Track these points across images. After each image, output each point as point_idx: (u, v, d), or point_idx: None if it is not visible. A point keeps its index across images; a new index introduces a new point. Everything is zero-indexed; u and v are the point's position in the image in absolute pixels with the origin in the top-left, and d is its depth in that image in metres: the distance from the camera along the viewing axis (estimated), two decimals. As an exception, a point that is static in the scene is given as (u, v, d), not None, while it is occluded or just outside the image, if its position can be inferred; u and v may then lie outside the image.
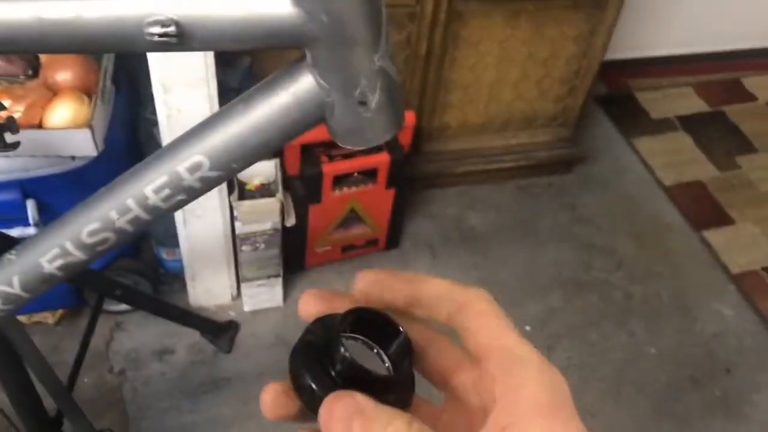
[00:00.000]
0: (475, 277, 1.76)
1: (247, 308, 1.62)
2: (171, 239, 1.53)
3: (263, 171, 1.43)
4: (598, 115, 2.24)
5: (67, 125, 1.22)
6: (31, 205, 1.24)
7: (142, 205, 0.39)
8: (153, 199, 0.38)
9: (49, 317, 1.53)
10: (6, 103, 1.17)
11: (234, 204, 1.40)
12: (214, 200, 1.41)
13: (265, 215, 1.44)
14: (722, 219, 1.99)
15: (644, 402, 1.57)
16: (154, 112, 1.28)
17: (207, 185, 0.38)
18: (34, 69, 1.32)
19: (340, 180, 1.53)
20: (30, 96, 1.22)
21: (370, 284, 0.35)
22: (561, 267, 1.81)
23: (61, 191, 1.26)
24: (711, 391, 1.60)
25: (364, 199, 1.60)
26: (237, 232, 1.45)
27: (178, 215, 1.43)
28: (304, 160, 1.49)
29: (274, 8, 0.31)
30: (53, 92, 1.26)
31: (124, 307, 1.55)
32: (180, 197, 0.38)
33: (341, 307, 0.33)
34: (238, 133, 0.36)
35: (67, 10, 0.31)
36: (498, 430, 0.29)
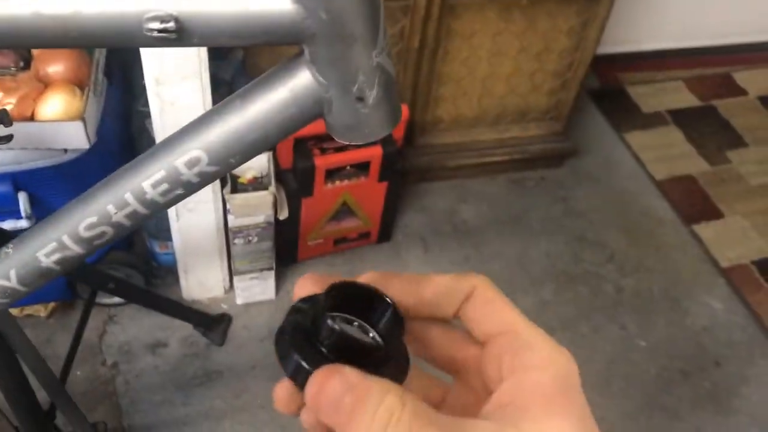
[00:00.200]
0: (467, 270, 1.76)
1: (239, 301, 1.63)
2: (164, 232, 1.53)
3: (256, 164, 1.43)
4: (590, 109, 2.25)
5: (60, 118, 1.21)
6: (23, 198, 1.24)
7: (140, 200, 0.39)
8: (151, 193, 0.38)
9: (41, 310, 1.53)
10: (-2, 95, 1.17)
11: (227, 197, 1.40)
12: (207, 194, 1.41)
13: (257, 208, 1.44)
14: (712, 213, 2.00)
15: (634, 394, 1.58)
16: (146, 105, 1.27)
17: (205, 180, 0.38)
18: (26, 61, 1.31)
19: (332, 173, 1.53)
20: (22, 88, 1.22)
21: (373, 284, 0.34)
22: (552, 260, 1.82)
23: (53, 184, 1.26)
24: (701, 384, 1.61)
25: (356, 193, 1.60)
26: (230, 225, 1.45)
27: (171, 209, 1.42)
28: (296, 153, 1.49)
29: (273, 4, 0.31)
30: (45, 85, 1.26)
31: (116, 300, 1.55)
32: (178, 192, 0.38)
33: None
34: (236, 128, 0.36)
35: (65, 5, 0.32)
36: (498, 407, 0.28)
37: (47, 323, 1.54)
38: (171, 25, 0.31)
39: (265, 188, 1.42)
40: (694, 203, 2.02)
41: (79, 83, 1.27)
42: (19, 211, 1.24)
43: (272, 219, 1.47)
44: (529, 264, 1.81)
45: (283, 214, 1.49)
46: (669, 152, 2.16)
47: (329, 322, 0.30)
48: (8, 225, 1.24)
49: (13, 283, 0.44)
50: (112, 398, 1.46)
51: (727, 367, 1.65)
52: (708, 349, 1.68)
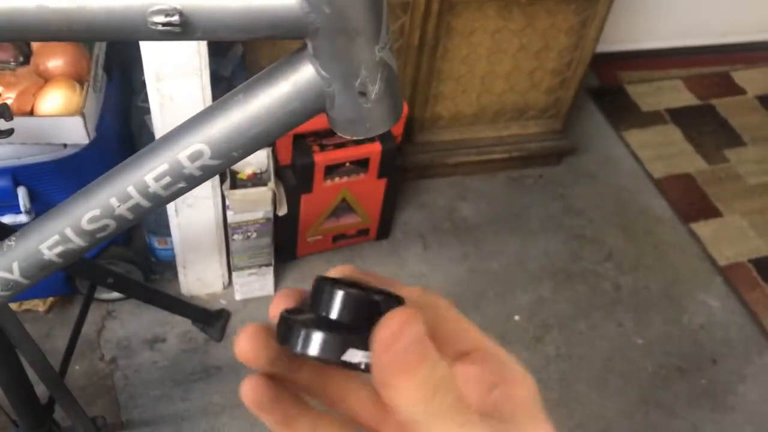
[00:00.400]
0: (466, 267, 1.77)
1: (238, 297, 1.63)
2: (163, 228, 1.53)
3: (255, 160, 1.43)
4: (589, 107, 2.26)
5: (59, 113, 1.22)
6: (22, 193, 1.24)
7: (143, 193, 0.39)
8: (153, 186, 0.39)
9: (39, 305, 1.53)
10: (-2, 90, 1.17)
11: (226, 193, 1.40)
12: (206, 189, 1.41)
13: (256, 204, 1.44)
14: (710, 211, 2.01)
15: (631, 391, 1.58)
16: (146, 100, 1.27)
17: (207, 173, 0.38)
18: (25, 56, 1.31)
19: (331, 170, 1.53)
20: (21, 83, 1.22)
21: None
22: (551, 258, 1.83)
23: (53, 179, 1.26)
24: (697, 382, 1.62)
25: (355, 189, 1.61)
26: (229, 221, 1.46)
27: (170, 204, 1.42)
28: (296, 149, 1.50)
29: (277, -1, 0.31)
30: (45, 79, 1.26)
31: (115, 295, 1.55)
32: (180, 185, 0.39)
33: None
34: (238, 122, 0.36)
35: (70, -2, 0.32)
36: (484, 417, 0.29)
37: (46, 318, 1.54)
38: (175, 18, 0.31)
39: (265, 184, 1.42)
40: (692, 202, 2.02)
41: (78, 78, 1.27)
42: (18, 206, 1.24)
43: (271, 215, 1.48)
44: (527, 261, 1.81)
45: (282, 210, 1.49)
46: (667, 151, 2.16)
47: (340, 286, 0.29)
48: (7, 219, 1.24)
49: (15, 275, 0.44)
50: (110, 393, 1.46)
51: (723, 364, 1.66)
52: (705, 346, 1.69)
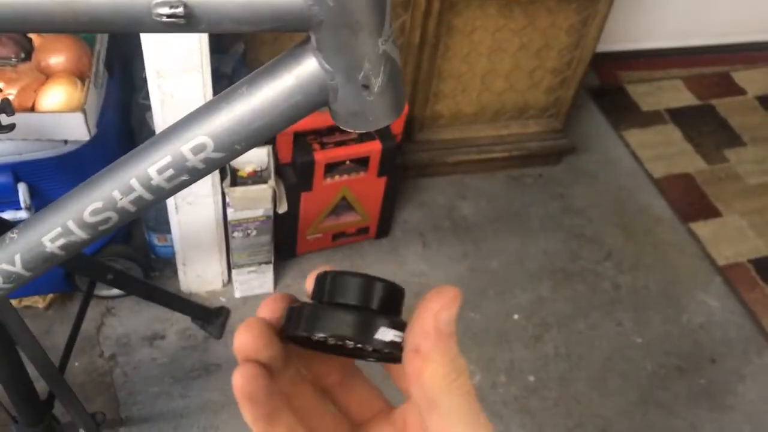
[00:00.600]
0: (465, 266, 1.77)
1: (238, 294, 1.63)
2: (163, 225, 1.53)
3: (256, 158, 1.44)
4: (589, 106, 2.26)
5: (60, 109, 1.22)
6: (22, 189, 1.24)
7: (146, 185, 0.39)
8: (156, 179, 0.39)
9: (39, 301, 1.53)
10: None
11: (226, 190, 1.40)
12: (207, 187, 1.41)
13: (257, 202, 1.44)
14: (710, 211, 2.01)
15: (630, 390, 1.59)
16: (146, 97, 1.27)
17: (210, 166, 0.38)
18: (27, 52, 1.31)
19: (331, 168, 1.53)
20: (23, 79, 1.22)
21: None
22: (550, 257, 1.83)
23: (53, 175, 1.26)
24: (696, 381, 1.62)
25: (355, 188, 1.61)
26: (229, 218, 1.46)
27: (170, 201, 1.43)
28: (296, 147, 1.50)
29: (281, -9, 0.32)
30: (46, 76, 1.26)
31: (115, 292, 1.55)
32: (183, 178, 0.39)
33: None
34: (242, 114, 0.36)
35: (75, -11, 0.32)
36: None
37: (46, 314, 1.54)
38: (180, 10, 0.31)
39: (265, 182, 1.42)
40: (691, 202, 2.03)
41: (79, 75, 1.27)
42: (18, 202, 1.25)
43: (271, 213, 1.48)
44: (527, 260, 1.81)
45: (282, 208, 1.49)
46: (667, 151, 2.17)
47: (351, 276, 0.30)
48: (8, 216, 1.24)
49: (17, 267, 0.44)
50: (109, 390, 1.46)
51: (722, 364, 1.66)
52: (704, 346, 1.69)
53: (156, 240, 1.60)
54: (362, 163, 1.56)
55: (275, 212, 1.49)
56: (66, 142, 1.25)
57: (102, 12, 0.32)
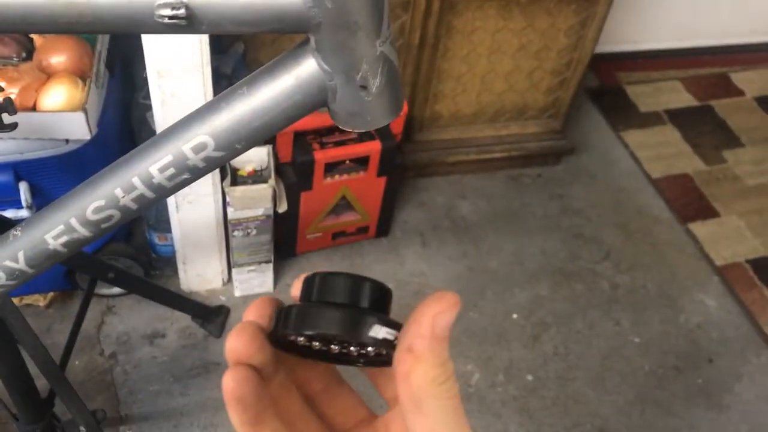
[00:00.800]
0: (464, 266, 1.78)
1: (238, 293, 1.64)
2: (163, 224, 1.54)
3: (256, 157, 1.44)
4: (588, 107, 2.27)
5: (61, 108, 1.22)
6: (23, 188, 1.25)
7: (147, 184, 0.40)
8: (158, 177, 0.39)
9: (40, 300, 1.54)
10: (1, 84, 1.17)
11: (226, 190, 1.41)
12: (207, 186, 1.42)
13: (257, 201, 1.45)
14: (708, 212, 2.02)
15: (628, 390, 1.59)
16: (147, 97, 1.28)
17: (211, 165, 0.39)
18: (28, 51, 1.32)
19: (331, 167, 1.54)
20: (24, 78, 1.22)
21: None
22: (549, 256, 1.83)
23: (54, 174, 1.27)
24: (693, 380, 1.63)
25: (355, 187, 1.61)
26: (229, 217, 1.46)
27: (171, 200, 1.43)
28: (296, 147, 1.50)
29: (281, -7, 0.32)
30: (47, 75, 1.27)
31: (115, 290, 1.56)
32: (184, 176, 0.39)
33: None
34: (242, 114, 0.37)
35: (79, -9, 0.32)
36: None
37: (46, 313, 1.55)
38: (182, 12, 0.32)
39: (265, 181, 1.43)
40: (689, 202, 2.03)
41: (81, 74, 1.28)
42: (19, 201, 1.25)
43: (271, 212, 1.48)
44: (525, 260, 1.82)
45: (282, 207, 1.50)
46: (666, 151, 2.17)
47: (343, 275, 0.30)
48: (9, 215, 1.25)
49: (20, 264, 0.45)
50: (109, 388, 1.47)
51: (720, 364, 1.67)
52: (701, 346, 1.70)
53: (156, 239, 1.60)
54: (362, 162, 1.56)
55: (275, 211, 1.50)
56: (67, 141, 1.25)
57: (105, 13, 0.33)
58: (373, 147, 1.54)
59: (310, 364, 0.35)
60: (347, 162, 1.55)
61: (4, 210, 1.26)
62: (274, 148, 1.48)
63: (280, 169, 1.52)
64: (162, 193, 0.40)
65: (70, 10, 0.33)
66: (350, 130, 0.38)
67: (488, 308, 1.70)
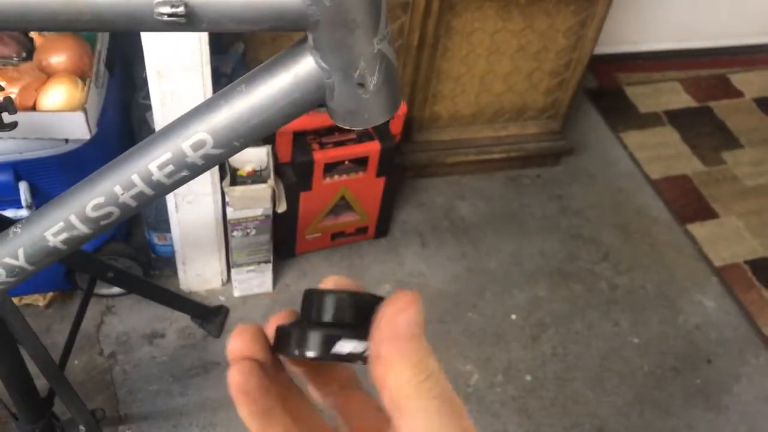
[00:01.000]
0: (463, 266, 1.78)
1: (237, 293, 1.64)
2: (162, 224, 1.54)
3: (255, 157, 1.44)
4: (587, 108, 2.27)
5: (61, 108, 1.23)
6: (23, 187, 1.25)
7: (147, 181, 0.40)
8: (157, 174, 0.40)
9: (39, 299, 1.54)
10: (1, 84, 1.18)
11: (226, 189, 1.41)
12: (206, 186, 1.42)
13: (256, 201, 1.45)
14: (707, 213, 2.02)
15: (627, 390, 1.60)
16: (147, 97, 1.28)
17: (210, 162, 0.39)
18: (28, 51, 1.32)
19: (330, 168, 1.54)
20: (24, 78, 1.23)
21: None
22: (548, 257, 1.84)
23: (54, 174, 1.27)
24: (692, 381, 1.63)
25: (354, 187, 1.62)
26: (228, 217, 1.47)
27: (170, 200, 1.43)
28: (295, 147, 1.51)
29: (279, -8, 0.33)
30: (47, 75, 1.27)
31: (114, 290, 1.56)
32: (183, 173, 0.40)
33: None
34: (240, 112, 0.37)
35: (79, -11, 0.33)
36: None
37: (46, 313, 1.55)
38: (181, 9, 0.32)
39: (264, 181, 1.43)
40: (688, 203, 2.04)
41: (80, 74, 1.28)
42: (19, 201, 1.26)
43: (270, 212, 1.49)
44: (524, 261, 1.82)
45: (282, 208, 1.50)
46: (665, 152, 2.18)
47: (328, 292, 0.31)
48: (9, 214, 1.25)
49: (20, 261, 0.45)
50: (109, 388, 1.47)
51: (718, 364, 1.67)
52: (700, 346, 1.70)
53: (156, 239, 1.60)
54: (361, 163, 1.57)
55: (274, 212, 1.50)
56: (67, 141, 1.25)
57: (105, 11, 0.33)
58: (373, 147, 1.54)
59: (326, 365, 0.35)
60: (346, 162, 1.55)
61: (4, 210, 1.26)
62: (273, 149, 1.48)
63: (279, 169, 1.52)
64: (161, 190, 0.41)
65: (70, 7, 0.33)
66: (348, 128, 0.38)
67: (487, 309, 1.71)
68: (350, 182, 1.60)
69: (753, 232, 1.98)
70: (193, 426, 1.43)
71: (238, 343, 0.31)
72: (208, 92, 1.25)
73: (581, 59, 1.81)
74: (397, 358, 0.28)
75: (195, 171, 0.40)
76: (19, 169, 1.24)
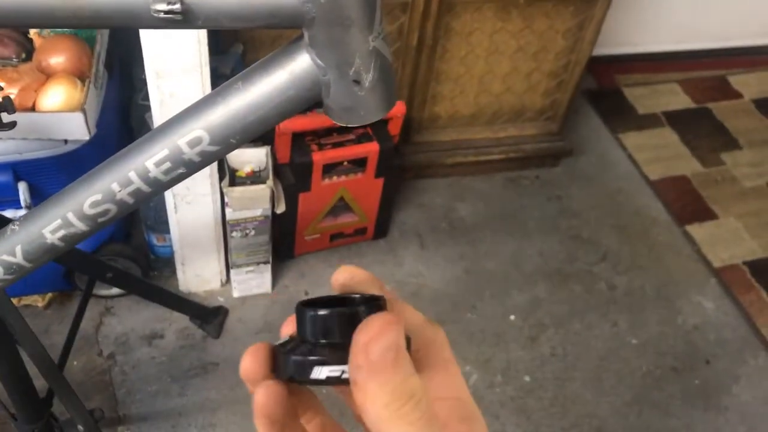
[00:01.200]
0: (462, 267, 1.78)
1: (236, 294, 1.64)
2: (161, 225, 1.54)
3: (254, 158, 1.45)
4: (586, 109, 2.27)
5: (60, 109, 1.23)
6: (22, 188, 1.25)
7: (144, 178, 0.40)
8: (154, 171, 0.40)
9: (38, 300, 1.54)
10: (1, 84, 1.18)
11: (225, 190, 1.41)
12: (205, 186, 1.42)
13: (255, 202, 1.45)
14: (706, 214, 2.02)
15: (625, 391, 1.60)
16: (146, 98, 1.28)
17: (206, 159, 0.40)
18: (27, 52, 1.32)
19: (329, 168, 1.55)
20: (23, 79, 1.23)
21: (355, 283, 0.34)
22: (547, 258, 1.84)
23: (53, 174, 1.27)
24: (691, 382, 1.63)
25: (353, 188, 1.62)
26: (227, 218, 1.47)
27: (169, 201, 1.44)
28: (294, 148, 1.51)
29: (275, -11, 0.33)
30: (46, 76, 1.27)
31: (114, 291, 1.56)
32: (180, 171, 0.40)
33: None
34: (237, 109, 0.38)
35: (76, -14, 0.33)
36: None
37: (45, 313, 1.55)
38: (177, 6, 0.33)
39: (263, 182, 1.43)
40: (687, 204, 2.04)
41: (80, 75, 1.28)
42: (18, 201, 1.26)
43: (269, 213, 1.49)
44: (523, 262, 1.82)
45: (281, 208, 1.50)
46: (663, 153, 2.18)
47: (308, 311, 0.30)
48: (8, 214, 1.25)
49: (18, 258, 0.45)
50: (108, 388, 1.47)
51: (717, 365, 1.67)
52: (699, 347, 1.70)
53: (155, 240, 1.61)
54: (360, 164, 1.57)
55: (273, 212, 1.50)
56: (66, 141, 1.26)
57: (102, 8, 0.33)
58: (371, 148, 1.54)
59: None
60: (345, 163, 1.55)
61: (3, 210, 1.27)
62: (272, 149, 1.48)
63: (278, 170, 1.52)
64: (158, 187, 0.41)
65: (67, 4, 0.33)
66: (344, 126, 0.38)
67: (486, 309, 1.71)
68: (349, 183, 1.60)
69: (752, 233, 1.98)
70: (192, 426, 1.43)
71: (251, 364, 0.31)
72: (207, 92, 1.25)
73: (580, 60, 1.82)
74: (373, 386, 0.27)
75: (192, 168, 0.40)
76: (19, 169, 1.25)
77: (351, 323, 0.29)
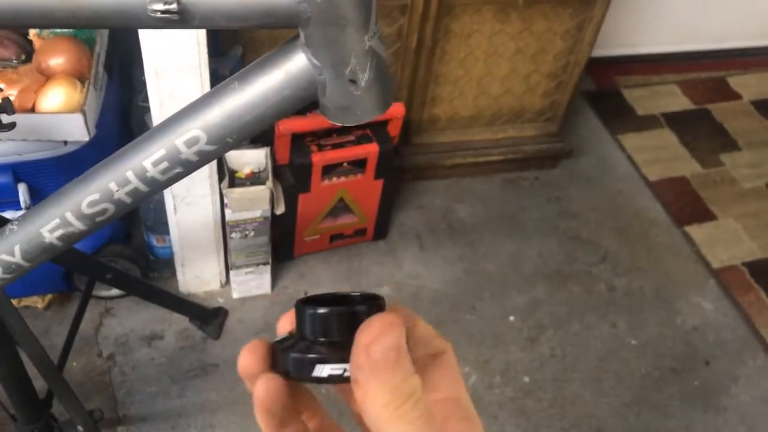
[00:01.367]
0: (461, 269, 1.79)
1: (235, 295, 1.64)
2: (161, 226, 1.54)
3: (254, 159, 1.45)
4: (585, 110, 2.27)
5: (60, 110, 1.23)
6: (22, 189, 1.25)
7: (141, 178, 0.40)
8: (151, 171, 0.40)
9: (38, 301, 1.54)
10: (0, 86, 1.18)
11: (224, 191, 1.41)
12: (205, 187, 1.42)
13: (255, 203, 1.45)
14: (705, 215, 2.02)
15: (624, 392, 1.60)
16: (146, 99, 1.29)
17: (204, 159, 0.40)
18: (27, 54, 1.33)
19: (329, 170, 1.55)
20: (23, 80, 1.23)
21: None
22: (546, 259, 1.84)
23: (53, 176, 1.27)
24: (690, 383, 1.63)
25: (352, 189, 1.62)
26: (227, 219, 1.47)
27: (169, 202, 1.44)
28: (294, 149, 1.51)
29: (271, -11, 0.33)
30: (46, 77, 1.27)
31: (113, 292, 1.57)
32: (177, 170, 0.40)
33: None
34: (233, 108, 0.38)
35: (74, -13, 0.33)
36: None
37: (45, 315, 1.55)
38: (173, 6, 0.33)
39: (263, 183, 1.44)
40: (686, 205, 2.04)
41: (79, 76, 1.29)
42: (18, 202, 1.26)
43: (269, 214, 1.49)
44: (522, 263, 1.83)
45: (280, 209, 1.50)
46: (663, 154, 2.18)
47: (308, 308, 0.31)
48: (8, 215, 1.25)
49: (17, 258, 0.46)
50: (107, 389, 1.47)
51: (716, 366, 1.67)
52: (698, 348, 1.70)
53: (155, 241, 1.61)
54: (360, 165, 1.57)
55: (273, 213, 1.50)
56: (66, 142, 1.26)
57: (100, 8, 0.34)
58: (371, 149, 1.54)
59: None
60: (345, 164, 1.56)
61: (3, 211, 1.27)
62: (272, 150, 1.48)
63: (277, 171, 1.52)
64: (155, 186, 0.41)
65: (66, 4, 0.34)
66: (341, 125, 0.39)
67: (485, 311, 1.71)
68: (349, 184, 1.60)
69: (751, 233, 1.98)
70: (192, 427, 1.44)
71: (249, 360, 0.32)
72: (207, 94, 1.26)
73: (579, 62, 1.82)
74: (373, 386, 0.28)
75: (189, 167, 0.40)
76: (18, 170, 1.25)
77: (351, 322, 0.29)
